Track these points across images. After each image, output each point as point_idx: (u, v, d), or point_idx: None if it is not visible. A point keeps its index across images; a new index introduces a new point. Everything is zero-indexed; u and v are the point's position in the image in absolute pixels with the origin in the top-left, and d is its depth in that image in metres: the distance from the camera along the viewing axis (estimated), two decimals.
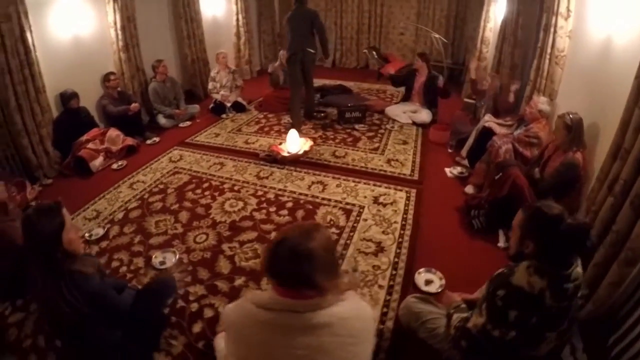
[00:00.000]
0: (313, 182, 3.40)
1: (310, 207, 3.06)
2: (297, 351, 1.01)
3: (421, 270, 2.35)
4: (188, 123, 4.85)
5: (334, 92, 5.55)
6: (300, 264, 1.01)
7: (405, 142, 4.17)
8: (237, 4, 6.27)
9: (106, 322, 1.71)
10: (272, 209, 3.06)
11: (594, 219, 2.00)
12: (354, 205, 3.06)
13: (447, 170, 3.56)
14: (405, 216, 2.90)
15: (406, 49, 6.92)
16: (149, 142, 4.34)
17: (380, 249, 2.58)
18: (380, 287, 2.27)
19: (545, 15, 3.32)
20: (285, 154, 3.72)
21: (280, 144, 3.88)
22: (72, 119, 3.85)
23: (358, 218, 2.90)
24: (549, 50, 3.25)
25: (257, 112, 5.18)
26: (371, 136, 4.32)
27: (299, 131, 4.38)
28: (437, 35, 5.57)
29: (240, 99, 5.19)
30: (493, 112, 3.73)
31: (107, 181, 3.61)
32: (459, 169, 3.56)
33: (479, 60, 4.92)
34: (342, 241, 2.67)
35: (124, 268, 2.55)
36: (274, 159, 3.72)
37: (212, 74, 5.21)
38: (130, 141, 4.10)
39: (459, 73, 6.24)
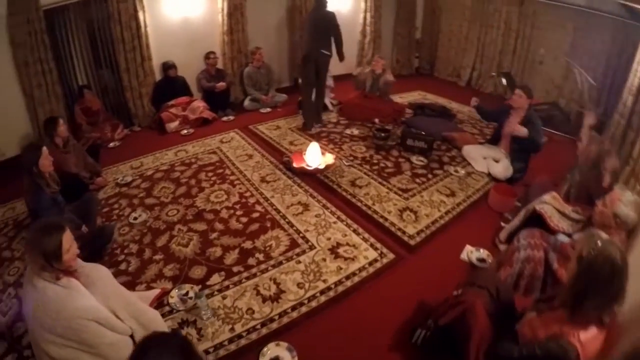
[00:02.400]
0: (298, 203, 3.27)
1: (269, 224, 3.01)
2: None
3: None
4: (268, 110, 5.30)
5: (428, 113, 4.93)
6: None
7: (452, 195, 3.42)
8: (366, 1, 6.21)
9: None
10: (239, 212, 3.17)
11: None
12: (307, 242, 2.83)
13: (466, 249, 2.78)
14: (341, 281, 2.49)
15: (550, 84, 5.35)
16: (224, 118, 5.02)
17: (275, 297, 2.37)
18: (231, 330, 2.15)
19: None
20: (303, 165, 3.68)
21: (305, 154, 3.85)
22: (168, 85, 4.85)
23: (295, 257, 2.69)
24: None
25: (337, 115, 5.17)
26: (420, 174, 3.72)
27: (310, 128, 4.62)
28: (581, 72, 4.12)
29: (326, 99, 5.27)
30: (576, 192, 2.64)
31: (170, 142, 4.45)
32: (483, 254, 2.72)
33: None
34: (253, 269, 2.58)
35: (116, 211, 3.26)
36: (289, 167, 3.74)
37: None
38: (206, 114, 4.86)
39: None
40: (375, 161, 3.97)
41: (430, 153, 4.04)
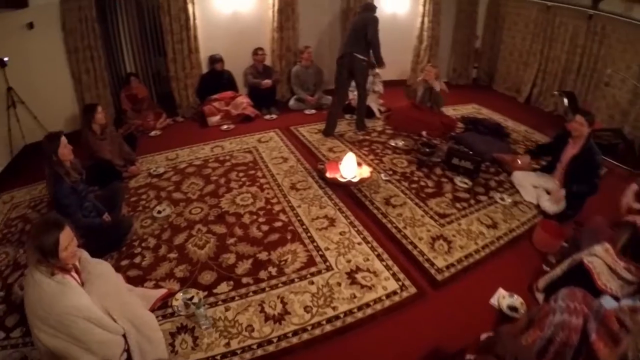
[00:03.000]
0: (325, 217, 3.11)
1: (289, 237, 2.89)
2: None
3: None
4: (313, 112, 5.19)
5: (481, 130, 4.53)
6: None
7: (493, 226, 3.07)
8: (424, 5, 5.87)
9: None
10: (262, 219, 3.08)
11: None
12: (325, 261, 2.67)
13: (498, 294, 2.47)
14: (353, 311, 2.30)
15: (616, 108, 4.65)
16: (266, 117, 5.00)
17: (279, 317, 2.24)
18: (227, 345, 2.07)
19: None
20: (336, 175, 3.53)
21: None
22: (214, 78, 4.91)
23: (309, 277, 2.55)
24: None
25: (383, 123, 4.94)
26: (462, 198, 3.40)
27: (329, 135, 4.46)
28: None
29: (373, 105, 5.06)
30: (635, 248, 2.23)
31: (208, 137, 4.50)
32: (516, 301, 2.39)
33: None
34: (262, 283, 2.47)
35: (143, 202, 3.34)
36: (323, 176, 3.61)
37: None
38: (249, 111, 4.86)
39: None
40: (415, 178, 3.71)
41: (477, 175, 3.69)
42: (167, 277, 2.54)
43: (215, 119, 4.75)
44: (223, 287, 2.46)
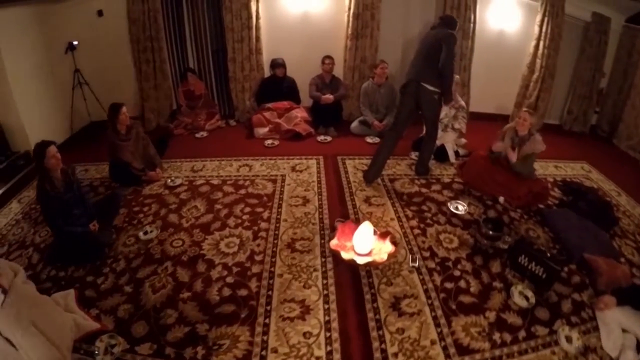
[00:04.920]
0: (300, 302, 2.44)
1: (244, 315, 2.35)
2: None
3: None
4: (377, 140, 4.42)
5: (581, 208, 3.27)
6: None
7: None
8: (542, 26, 4.51)
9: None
10: (230, 280, 2.61)
11: None
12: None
13: None
14: None
15: None
16: (320, 137, 4.45)
17: None
18: None
19: None
20: (346, 244, 2.84)
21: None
22: (274, 84, 4.55)
23: None
24: None
25: (454, 173, 3.94)
26: (509, 324, 2.33)
27: (371, 182, 3.65)
28: None
29: (449, 145, 4.05)
30: None
31: (246, 150, 4.21)
32: None
33: None
34: None
35: (141, 215, 3.27)
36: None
37: None
38: (299, 128, 4.39)
39: None
40: (457, 272, 2.75)
41: (547, 289, 2.58)
42: (109, 312, 2.38)
43: (262, 131, 4.43)
44: (145, 349, 2.16)
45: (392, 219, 3.24)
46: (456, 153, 4.14)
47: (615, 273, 2.61)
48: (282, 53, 4.58)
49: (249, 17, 4.27)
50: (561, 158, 4.43)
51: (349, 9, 4.36)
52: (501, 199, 3.48)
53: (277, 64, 4.51)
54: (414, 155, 4.12)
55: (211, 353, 2.15)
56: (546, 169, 4.16)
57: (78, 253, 2.74)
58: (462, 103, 4.03)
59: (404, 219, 3.25)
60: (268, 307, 2.44)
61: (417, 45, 3.63)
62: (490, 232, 2.90)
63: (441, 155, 4.07)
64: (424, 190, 3.65)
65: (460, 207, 3.39)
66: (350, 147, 4.30)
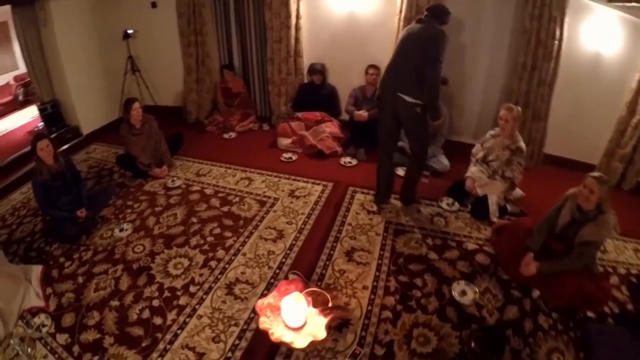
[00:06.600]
0: (190, 350, 2.33)
1: (143, 345, 2.37)
2: None
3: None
4: (426, 174, 3.85)
5: None
6: None
7: None
8: None
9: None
10: (155, 303, 2.65)
11: None
12: None
13: None
14: None
15: None
16: (346, 159, 4.11)
17: None
18: None
19: None
20: (265, 311, 2.47)
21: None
22: (311, 92, 4.38)
23: None
24: None
25: (489, 238, 3.15)
26: None
27: (379, 205, 3.44)
28: None
29: (493, 199, 3.27)
30: None
31: (260, 162, 4.18)
32: None
33: None
34: None
35: (129, 211, 3.58)
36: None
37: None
38: (323, 146, 4.13)
39: None
40: None
41: None
42: (58, 295, 2.77)
43: (285, 142, 4.30)
44: (62, 339, 2.46)
45: (364, 288, 2.71)
46: (503, 209, 3.36)
47: None
48: (324, 58, 4.37)
49: (288, 15, 4.13)
50: None
51: (400, 11, 3.82)
52: (535, 294, 2.66)
53: (314, 70, 4.29)
54: (444, 203, 3.51)
55: None
56: (621, 253, 3.04)
57: (58, 234, 3.24)
58: (522, 144, 3.20)
59: (380, 292, 2.70)
60: (168, 347, 2.41)
61: (396, 44, 3.06)
62: (479, 351, 2.26)
63: (481, 209, 3.34)
64: (432, 256, 3.00)
65: (467, 293, 2.67)
66: (373, 176, 3.84)
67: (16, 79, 6.79)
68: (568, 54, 3.65)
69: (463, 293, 2.66)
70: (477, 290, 2.67)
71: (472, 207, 3.42)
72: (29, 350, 2.40)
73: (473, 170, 3.41)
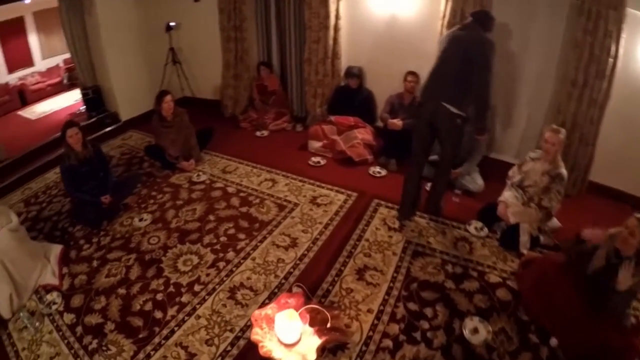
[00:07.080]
0: (183, 349, 2.34)
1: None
2: None
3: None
4: (457, 193, 3.69)
5: None
6: None
7: None
8: None
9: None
10: (158, 297, 2.74)
11: None
12: None
13: None
14: None
15: None
16: (375, 169, 3.98)
17: None
18: None
19: None
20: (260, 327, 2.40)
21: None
22: (346, 96, 4.30)
23: None
24: None
25: (515, 273, 2.88)
26: None
27: (401, 221, 3.32)
28: None
29: (525, 228, 2.98)
30: None
31: (287, 164, 4.16)
32: None
33: None
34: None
35: (152, 202, 3.72)
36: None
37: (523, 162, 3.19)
38: (353, 152, 4.03)
39: None
40: None
41: None
42: (72, 276, 2.96)
43: (315, 145, 4.25)
44: (68, 318, 2.63)
45: (369, 311, 2.58)
46: (535, 240, 3.07)
47: None
48: (362, 61, 4.26)
49: (327, 15, 4.06)
50: None
51: (444, 16, 3.61)
52: (554, 342, 2.40)
53: (350, 74, 4.19)
54: (473, 227, 3.28)
55: (98, 351, 2.41)
56: None
57: (82, 217, 3.46)
58: (563, 171, 2.89)
59: (385, 318, 2.56)
60: (163, 342, 2.46)
61: (439, 50, 2.91)
62: None
63: (511, 238, 3.08)
64: (449, 284, 2.80)
65: (480, 332, 2.45)
66: (401, 189, 3.68)
67: (66, 61, 7.26)
68: (623, 73, 3.27)
69: (475, 331, 2.44)
70: (490, 329, 2.44)
71: (502, 235, 3.17)
72: (37, 324, 2.58)
73: (507, 195, 3.16)
